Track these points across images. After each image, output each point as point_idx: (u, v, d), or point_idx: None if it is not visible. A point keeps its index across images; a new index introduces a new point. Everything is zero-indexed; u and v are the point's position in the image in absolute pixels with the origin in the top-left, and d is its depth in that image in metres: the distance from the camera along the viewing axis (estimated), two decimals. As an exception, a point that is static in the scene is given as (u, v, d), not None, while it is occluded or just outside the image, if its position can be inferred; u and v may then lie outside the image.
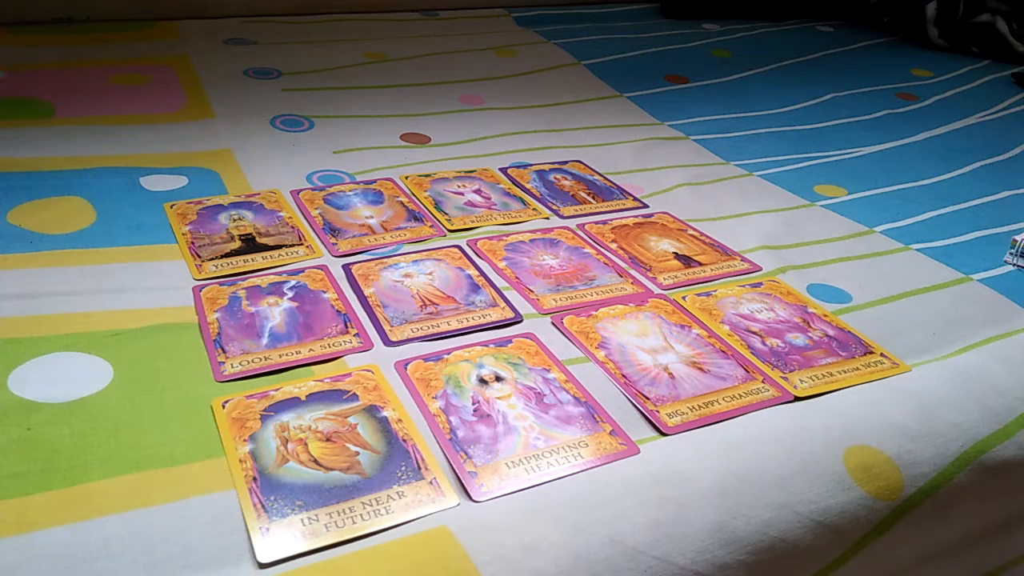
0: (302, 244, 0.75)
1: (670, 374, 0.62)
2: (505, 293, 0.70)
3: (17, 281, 0.65)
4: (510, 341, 0.64)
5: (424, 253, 0.75)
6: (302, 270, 0.71)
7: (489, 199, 0.86)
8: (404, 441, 0.54)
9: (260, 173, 0.86)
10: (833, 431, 0.58)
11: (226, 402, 0.55)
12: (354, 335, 0.63)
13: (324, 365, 0.60)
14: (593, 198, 0.88)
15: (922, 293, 0.76)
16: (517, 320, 0.67)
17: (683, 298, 0.72)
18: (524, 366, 0.62)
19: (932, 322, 0.72)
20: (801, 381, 0.63)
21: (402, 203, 0.83)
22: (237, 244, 0.73)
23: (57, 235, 0.71)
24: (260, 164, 0.87)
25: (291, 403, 0.56)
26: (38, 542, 0.45)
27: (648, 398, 0.60)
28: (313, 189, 0.84)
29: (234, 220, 0.76)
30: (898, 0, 1.54)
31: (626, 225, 0.83)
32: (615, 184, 0.92)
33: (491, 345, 0.64)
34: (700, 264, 0.77)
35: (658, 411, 0.58)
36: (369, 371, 0.59)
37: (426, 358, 0.61)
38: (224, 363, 0.59)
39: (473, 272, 0.73)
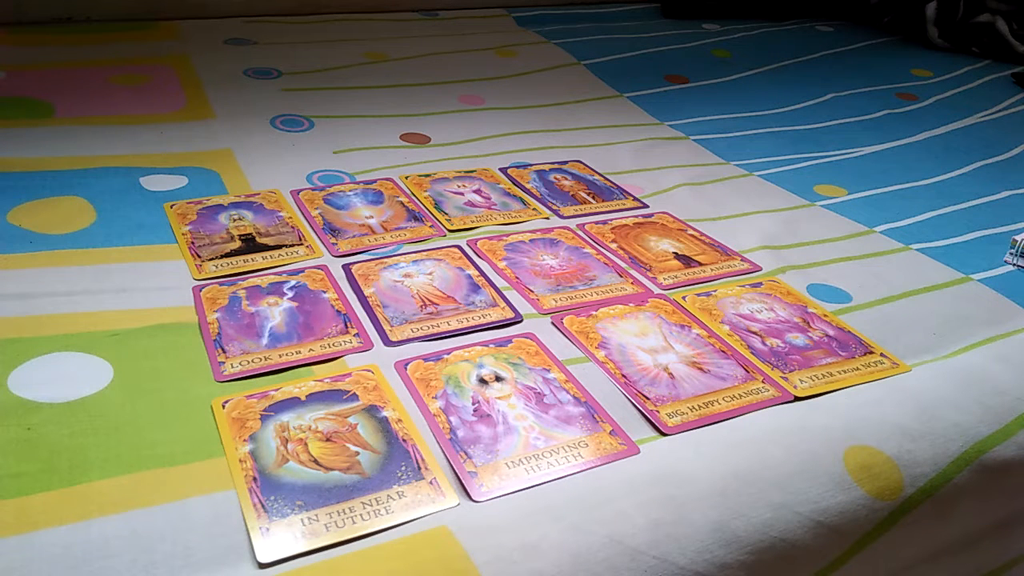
0: (302, 244, 0.75)
1: (670, 374, 0.62)
2: (505, 293, 0.70)
3: (17, 281, 0.65)
4: (510, 341, 0.64)
5: (424, 253, 0.75)
6: (302, 270, 0.71)
7: (489, 199, 0.86)
8: (404, 441, 0.54)
9: (260, 173, 0.86)
10: (833, 431, 0.58)
11: (226, 402, 0.55)
12: (354, 335, 0.63)
13: (324, 365, 0.60)
14: (593, 198, 0.88)
15: (922, 293, 0.76)
16: (517, 320, 0.67)
17: (683, 298, 0.72)
18: (524, 366, 0.62)
19: (932, 322, 0.72)
20: (801, 381, 0.63)
21: (402, 203, 0.83)
22: (237, 244, 0.73)
23: (57, 235, 0.71)
24: (260, 164, 0.87)
25: (291, 403, 0.56)
26: (38, 542, 0.45)
27: (648, 398, 0.60)
28: (313, 189, 0.84)
29: (234, 220, 0.76)
30: (898, 0, 1.54)
31: (626, 225, 0.83)
32: (615, 184, 0.92)
33: (491, 345, 0.64)
34: (700, 264, 0.77)
35: (658, 411, 0.58)
36: (369, 371, 0.59)
37: (426, 358, 0.61)
38: (224, 363, 0.59)
39: (473, 272, 0.73)
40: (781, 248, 0.82)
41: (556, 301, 0.70)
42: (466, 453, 0.53)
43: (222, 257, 0.71)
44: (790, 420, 0.59)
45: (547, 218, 0.84)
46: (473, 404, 0.57)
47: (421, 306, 0.67)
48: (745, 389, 0.61)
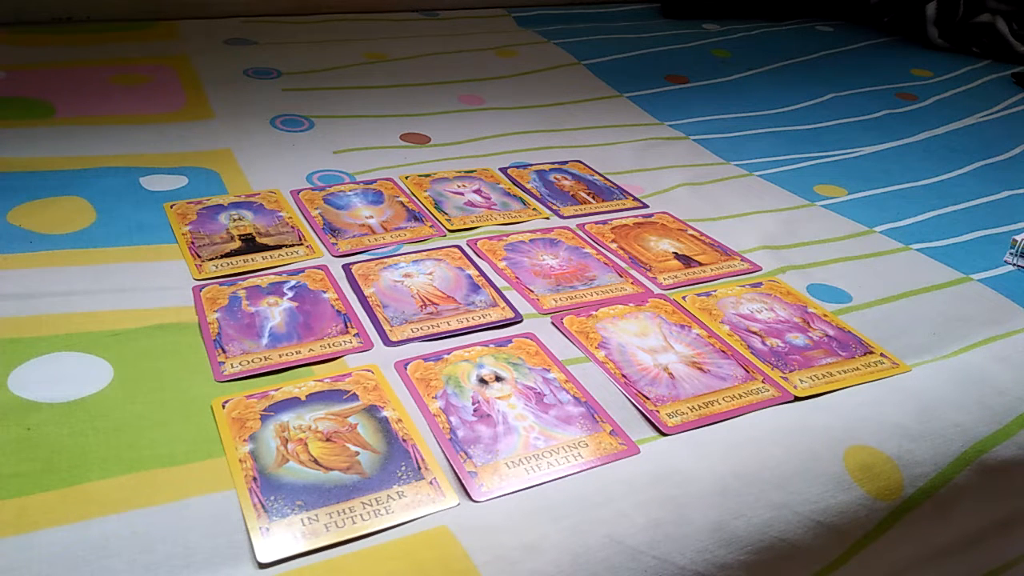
0: (302, 244, 0.75)
1: (670, 374, 0.62)
2: (505, 293, 0.70)
3: (17, 281, 0.65)
4: (510, 341, 0.64)
5: (424, 253, 0.75)
6: (302, 270, 0.71)
7: (489, 199, 0.86)
8: (404, 441, 0.54)
9: (260, 173, 0.86)
10: (833, 431, 0.58)
11: (226, 402, 0.55)
12: (354, 335, 0.63)
13: (324, 365, 0.60)
14: (593, 198, 0.88)
15: (922, 293, 0.76)
16: (517, 320, 0.67)
17: (683, 298, 0.72)
18: (524, 366, 0.62)
19: (932, 322, 0.72)
20: (801, 381, 0.63)
21: (402, 203, 0.83)
22: (237, 244, 0.73)
23: (57, 235, 0.71)
24: (260, 164, 0.87)
25: (291, 403, 0.56)
26: (38, 542, 0.45)
27: (648, 398, 0.60)
28: (313, 189, 0.84)
29: (234, 220, 0.76)
30: (898, 0, 1.54)
31: (626, 225, 0.83)
32: (615, 184, 0.92)
33: (491, 345, 0.64)
34: (700, 264, 0.77)
35: (658, 411, 0.58)
36: (369, 371, 0.59)
37: (426, 358, 0.61)
38: (224, 363, 0.59)
39: (473, 272, 0.73)
40: (781, 248, 0.82)
41: (556, 301, 0.70)
42: (466, 453, 0.53)
43: (222, 257, 0.71)
44: (790, 420, 0.59)
45: (547, 218, 0.84)
46: (473, 404, 0.57)
47: (421, 306, 0.67)
48: (745, 389, 0.61)
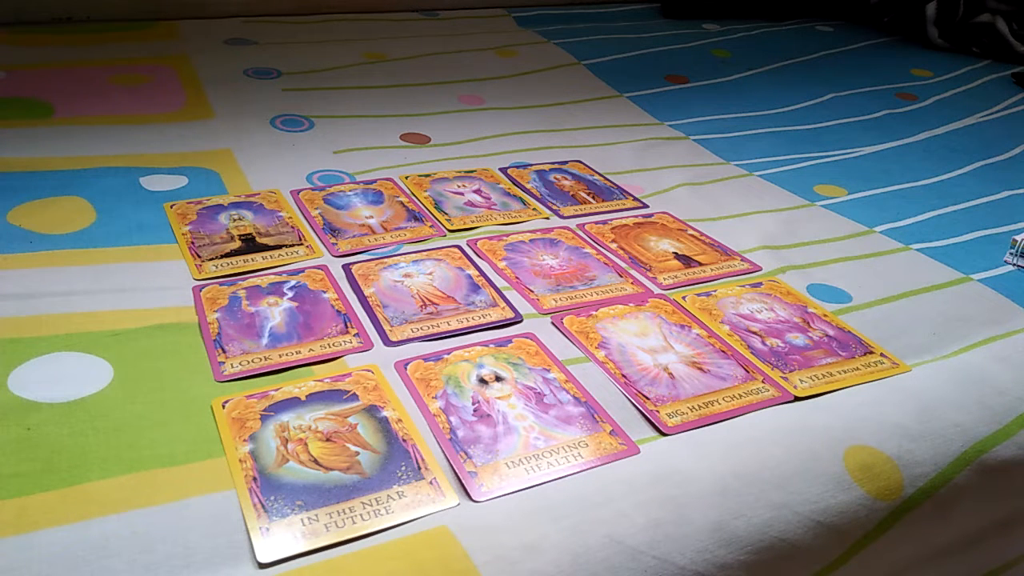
0: (302, 244, 0.75)
1: (670, 374, 0.62)
2: (505, 293, 0.70)
3: (17, 281, 0.65)
4: (510, 341, 0.64)
5: (424, 253, 0.75)
6: (302, 270, 0.71)
7: (489, 199, 0.86)
8: (404, 441, 0.54)
9: (260, 173, 0.86)
10: (833, 431, 0.58)
11: (226, 402, 0.55)
12: (354, 335, 0.63)
13: (324, 365, 0.60)
14: (593, 198, 0.88)
15: (922, 293, 0.76)
16: (517, 320, 0.67)
17: (683, 298, 0.72)
18: (524, 366, 0.62)
19: (932, 322, 0.72)
20: (801, 381, 0.63)
21: (402, 203, 0.83)
22: (237, 244, 0.73)
23: (57, 235, 0.71)
24: (260, 164, 0.87)
25: (291, 403, 0.56)
26: (38, 542, 0.45)
27: (648, 398, 0.60)
28: (313, 189, 0.84)
29: (234, 220, 0.76)
30: (898, 0, 1.54)
31: (626, 225, 0.83)
32: (615, 184, 0.92)
33: (491, 345, 0.64)
34: (700, 264, 0.77)
35: (658, 411, 0.58)
36: (369, 371, 0.59)
37: (426, 358, 0.61)
38: (224, 363, 0.59)
39: (473, 272, 0.73)
40: (781, 248, 0.82)
41: (556, 301, 0.70)
42: (466, 453, 0.53)
43: (222, 257, 0.71)
44: (790, 420, 0.59)
45: (547, 218, 0.84)
46: (473, 404, 0.57)
47: (421, 306, 0.67)
48: (745, 389, 0.61)
